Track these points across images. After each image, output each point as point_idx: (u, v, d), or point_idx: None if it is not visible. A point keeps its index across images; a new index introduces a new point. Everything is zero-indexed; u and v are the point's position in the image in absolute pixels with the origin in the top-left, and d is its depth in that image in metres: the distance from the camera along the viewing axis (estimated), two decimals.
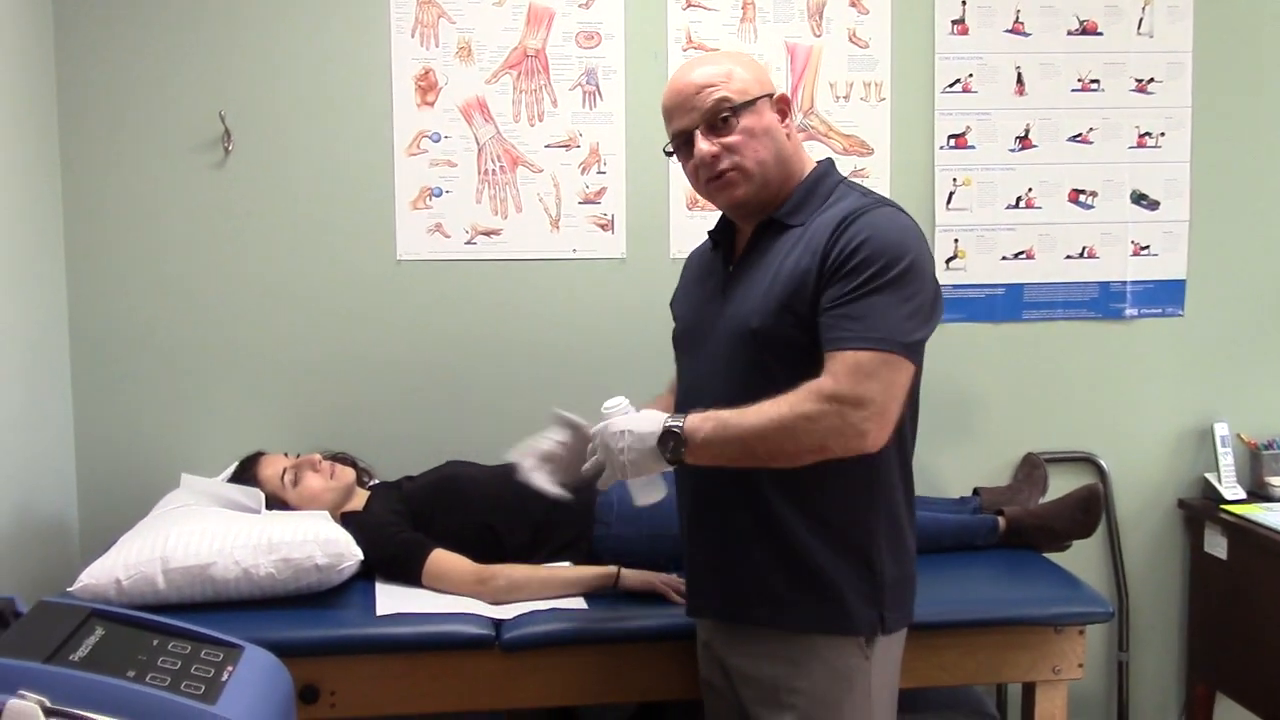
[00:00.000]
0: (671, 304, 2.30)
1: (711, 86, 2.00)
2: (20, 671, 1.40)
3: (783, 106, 2.05)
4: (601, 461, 1.99)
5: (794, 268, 1.95)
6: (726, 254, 2.15)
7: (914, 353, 1.90)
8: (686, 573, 2.21)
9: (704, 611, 2.18)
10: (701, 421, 1.90)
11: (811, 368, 1.90)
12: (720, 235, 2.18)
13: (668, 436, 1.90)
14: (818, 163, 2.11)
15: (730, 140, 2.00)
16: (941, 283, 3.12)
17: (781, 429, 1.85)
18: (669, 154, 2.11)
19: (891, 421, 1.87)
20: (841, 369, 1.84)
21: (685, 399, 2.11)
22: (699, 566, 2.15)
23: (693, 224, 3.14)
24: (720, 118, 2.00)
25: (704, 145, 2.01)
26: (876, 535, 2.00)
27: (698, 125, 2.01)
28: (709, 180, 2.04)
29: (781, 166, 2.03)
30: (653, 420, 1.94)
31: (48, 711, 1.34)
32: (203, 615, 2.18)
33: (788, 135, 2.04)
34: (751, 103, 2.00)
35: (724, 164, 2.01)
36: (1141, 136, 3.30)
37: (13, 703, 1.33)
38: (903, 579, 2.06)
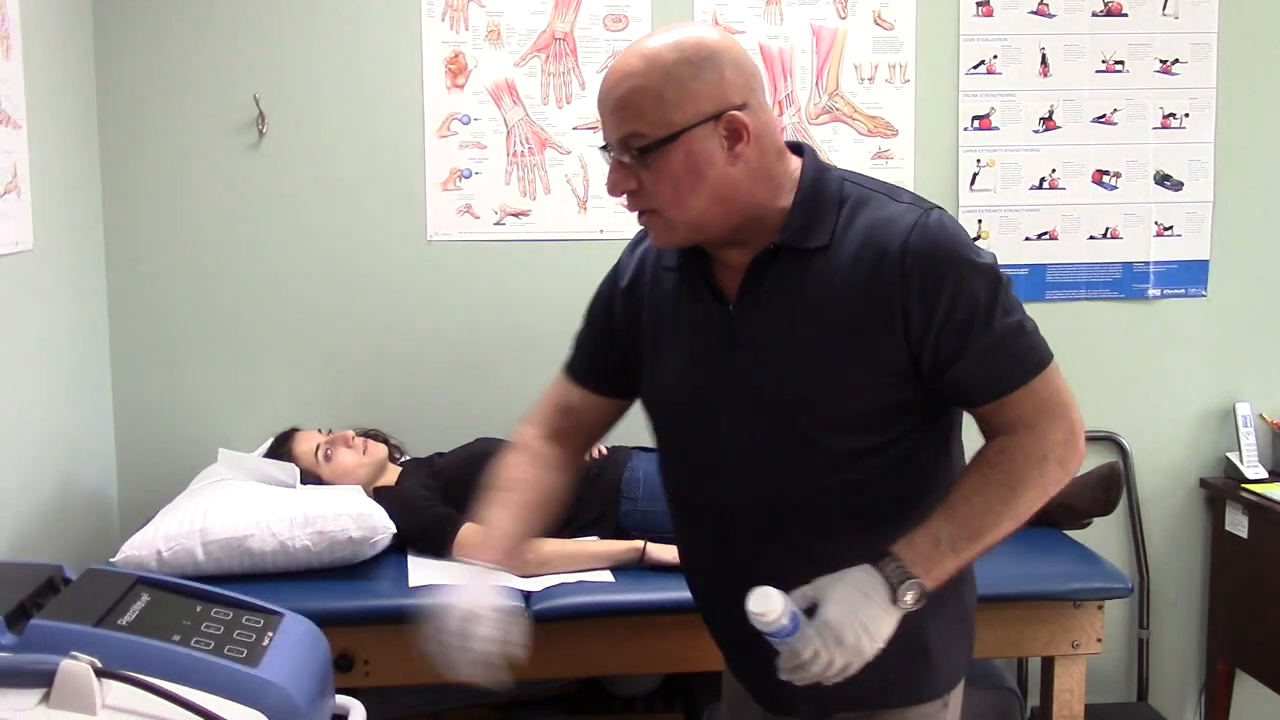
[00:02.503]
0: (611, 325, 1.83)
1: (627, 110, 1.54)
2: (72, 634, 1.44)
3: (733, 127, 1.54)
4: (835, 664, 1.50)
5: (854, 314, 1.57)
6: (709, 284, 1.67)
7: (1047, 345, 1.62)
8: (751, 665, 1.76)
9: (796, 710, 1.74)
10: (928, 556, 1.52)
11: (881, 430, 1.61)
12: (686, 261, 1.68)
13: (904, 595, 1.51)
14: (801, 159, 1.66)
15: (645, 178, 1.56)
16: None
17: (1014, 511, 1.56)
18: (603, 150, 1.62)
19: (1079, 417, 1.61)
20: (1029, 413, 1.57)
21: (697, 484, 1.73)
22: (761, 660, 1.59)
23: None
24: (632, 153, 1.56)
25: (613, 175, 1.59)
26: (965, 575, 1.70)
27: (613, 147, 1.59)
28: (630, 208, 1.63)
29: (728, 203, 1.57)
30: (871, 589, 1.51)
31: (99, 672, 1.38)
32: (240, 586, 2.19)
33: (736, 160, 1.55)
34: (674, 137, 1.52)
35: (640, 203, 1.60)
36: (1166, 118, 3.31)
37: (66, 663, 1.37)
38: (972, 610, 1.79)
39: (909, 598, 1.51)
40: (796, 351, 1.60)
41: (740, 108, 1.55)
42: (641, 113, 1.53)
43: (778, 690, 1.65)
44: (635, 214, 1.64)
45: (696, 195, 1.56)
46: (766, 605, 1.49)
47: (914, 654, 1.65)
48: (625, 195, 1.60)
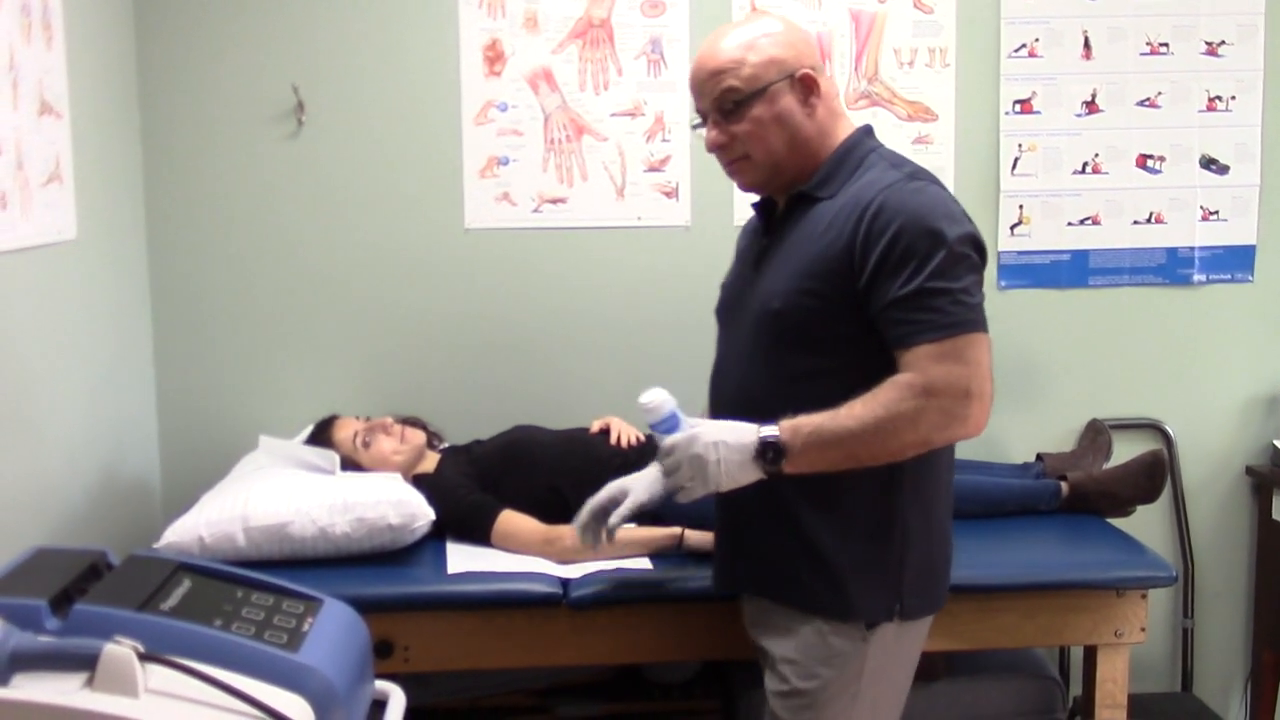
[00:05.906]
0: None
1: (722, 73, 1.95)
2: (115, 619, 1.46)
3: (807, 85, 1.96)
4: (684, 476, 1.91)
5: (823, 249, 1.91)
6: (768, 223, 2.10)
7: (984, 322, 1.87)
8: (714, 546, 2.22)
9: (726, 585, 2.18)
10: (795, 430, 1.85)
11: (831, 354, 1.91)
12: (763, 204, 2.12)
13: (766, 448, 1.86)
14: (855, 129, 2.04)
15: (739, 129, 1.97)
16: (1006, 249, 3.19)
17: (881, 430, 1.82)
18: (695, 128, 2.08)
19: (989, 399, 1.84)
20: (927, 361, 1.81)
21: (715, 377, 2.12)
22: (721, 541, 2.17)
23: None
24: (727, 108, 1.97)
25: (712, 133, 2.00)
26: (896, 519, 1.95)
27: (709, 111, 2.00)
28: (723, 164, 2.05)
29: (799, 149, 1.98)
30: (744, 431, 1.88)
31: (141, 656, 1.39)
32: (280, 572, 2.21)
33: (811, 114, 1.97)
34: (762, 91, 1.94)
35: (733, 152, 2.00)
36: (1211, 100, 3.26)
37: (109, 647, 1.39)
38: (929, 565, 2.01)
39: (769, 452, 1.85)
40: (778, 274, 1.97)
41: (812, 69, 1.97)
42: (735, 71, 1.94)
43: (719, 567, 2.17)
44: (721, 170, 2.06)
45: (779, 139, 1.96)
46: (654, 398, 1.93)
47: (813, 557, 1.95)
48: (719, 150, 2.01)
